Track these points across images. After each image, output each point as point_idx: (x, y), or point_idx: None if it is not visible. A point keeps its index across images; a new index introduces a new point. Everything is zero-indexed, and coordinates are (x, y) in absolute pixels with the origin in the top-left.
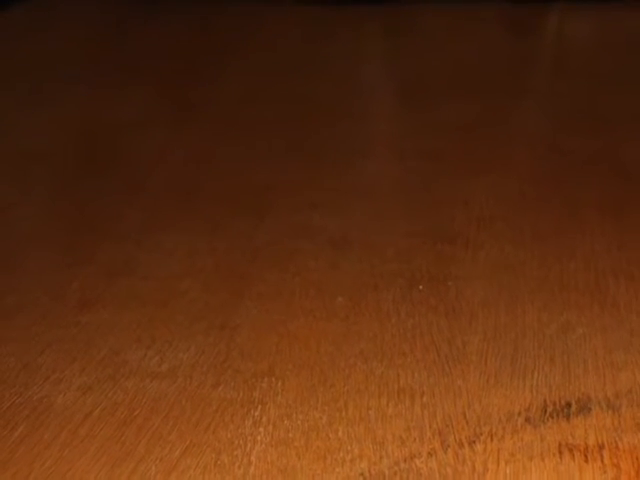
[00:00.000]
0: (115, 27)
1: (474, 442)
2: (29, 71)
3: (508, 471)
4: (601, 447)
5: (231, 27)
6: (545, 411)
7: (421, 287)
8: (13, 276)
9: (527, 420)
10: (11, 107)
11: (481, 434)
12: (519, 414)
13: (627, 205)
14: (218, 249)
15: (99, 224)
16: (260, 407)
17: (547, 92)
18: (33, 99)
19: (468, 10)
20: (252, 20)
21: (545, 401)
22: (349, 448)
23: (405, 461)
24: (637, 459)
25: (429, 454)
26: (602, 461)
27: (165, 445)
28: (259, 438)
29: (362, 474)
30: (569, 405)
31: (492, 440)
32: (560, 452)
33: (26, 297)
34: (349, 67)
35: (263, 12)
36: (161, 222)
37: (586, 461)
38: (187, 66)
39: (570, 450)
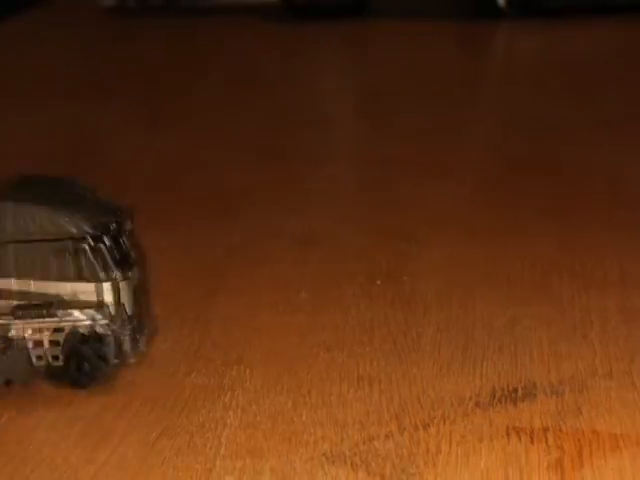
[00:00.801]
0: (105, 43)
1: (428, 425)
2: (22, 82)
3: (459, 452)
4: (546, 430)
5: (204, 44)
6: (494, 396)
7: (379, 282)
8: None
9: (477, 405)
10: (5, 113)
11: (434, 418)
12: (470, 399)
13: (566, 207)
14: (194, 248)
15: None
16: (230, 393)
17: (496, 103)
18: (24, 106)
19: (423, 27)
20: (224, 36)
21: (494, 387)
22: (312, 431)
23: (364, 443)
24: (579, 441)
25: (386, 436)
26: (547, 443)
27: (142, 428)
28: (229, 421)
29: (324, 454)
30: (516, 391)
31: (445, 423)
32: (508, 434)
33: None
34: (313, 79)
35: (234, 29)
36: (142, 221)
37: (532, 443)
38: (165, 79)
39: (517, 432)
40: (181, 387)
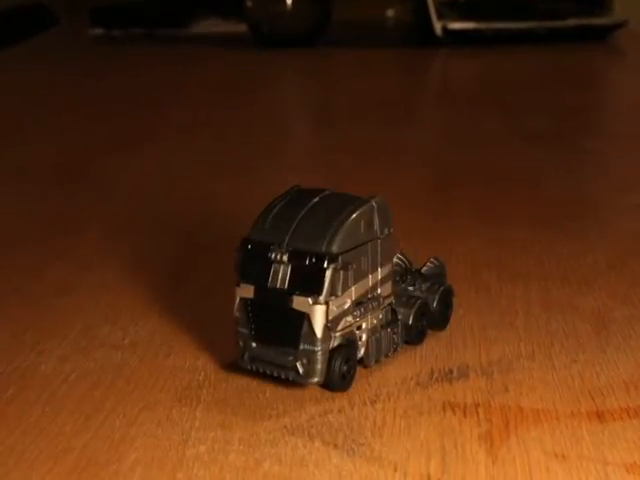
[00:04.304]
0: (92, 67)
1: (375, 401)
2: (20, 100)
3: (402, 424)
4: (477, 405)
5: (180, 68)
6: (432, 376)
7: None
8: (3, 268)
9: (417, 384)
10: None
11: (380, 395)
12: (411, 379)
13: (494, 209)
14: (167, 247)
15: (74, 227)
16: (203, 373)
17: (434, 119)
18: (21, 127)
19: (369, 54)
20: (198, 61)
21: (432, 368)
22: (275, 406)
23: (320, 416)
24: (506, 415)
25: (339, 411)
26: (478, 417)
27: (127, 403)
28: (202, 398)
29: (285, 426)
30: (451, 372)
31: (389, 400)
32: (444, 409)
33: (15, 285)
34: (276, 99)
35: (208, 55)
36: (123, 225)
37: (465, 417)
38: (145, 99)
39: (452, 408)
40: (161, 368)
